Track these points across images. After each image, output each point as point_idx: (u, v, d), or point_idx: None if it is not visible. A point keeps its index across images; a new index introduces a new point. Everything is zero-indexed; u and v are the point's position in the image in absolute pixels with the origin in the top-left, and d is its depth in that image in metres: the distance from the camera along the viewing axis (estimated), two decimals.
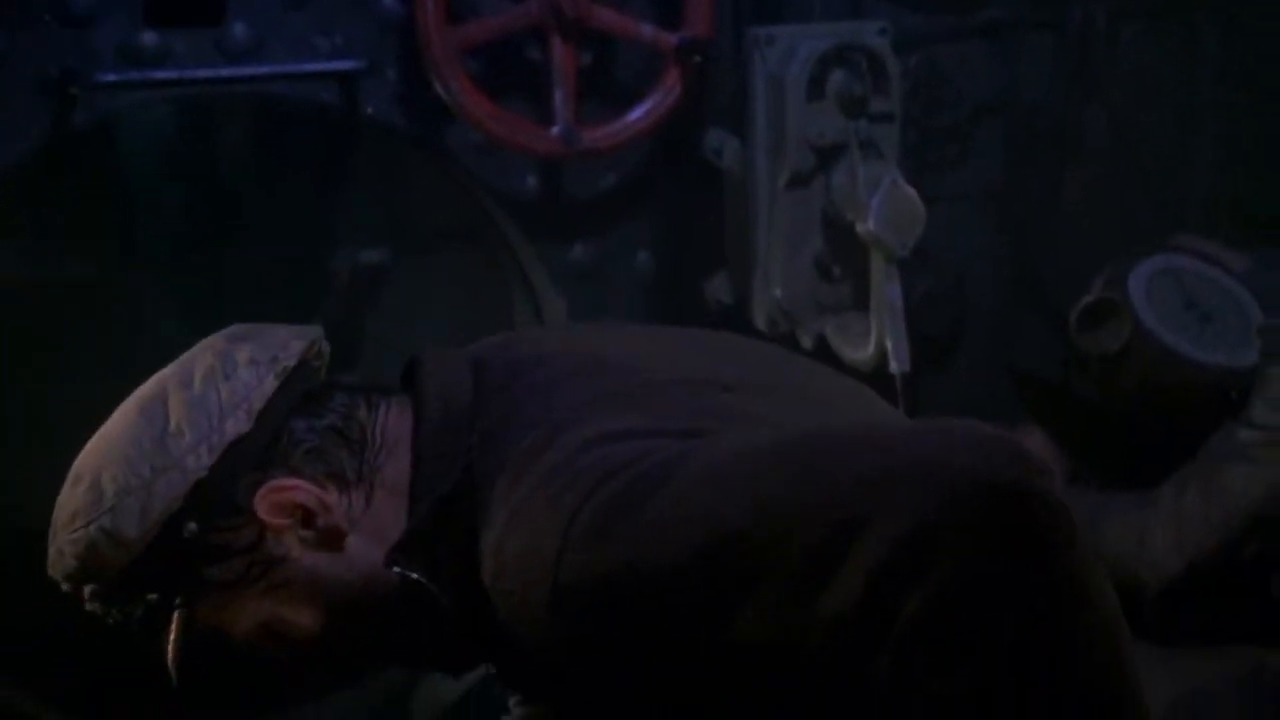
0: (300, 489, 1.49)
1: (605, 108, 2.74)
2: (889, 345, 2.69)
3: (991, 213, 3.16)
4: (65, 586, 1.55)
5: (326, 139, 3.39)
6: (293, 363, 1.51)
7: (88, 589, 1.53)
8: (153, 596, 1.52)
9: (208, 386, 1.50)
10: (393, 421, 1.52)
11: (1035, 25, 3.14)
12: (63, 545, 1.51)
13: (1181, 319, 3.00)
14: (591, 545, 1.34)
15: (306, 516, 1.49)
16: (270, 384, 1.50)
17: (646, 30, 2.67)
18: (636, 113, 2.69)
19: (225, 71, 2.63)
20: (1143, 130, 3.31)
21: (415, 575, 1.46)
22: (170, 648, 1.54)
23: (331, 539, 1.50)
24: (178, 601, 1.52)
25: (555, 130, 2.64)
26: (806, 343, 2.80)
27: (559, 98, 2.63)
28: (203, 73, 2.62)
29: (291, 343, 1.52)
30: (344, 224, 3.70)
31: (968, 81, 3.05)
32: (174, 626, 1.53)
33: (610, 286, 2.91)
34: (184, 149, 3.57)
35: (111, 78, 2.58)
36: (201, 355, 1.53)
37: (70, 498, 1.52)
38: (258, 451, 1.49)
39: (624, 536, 1.33)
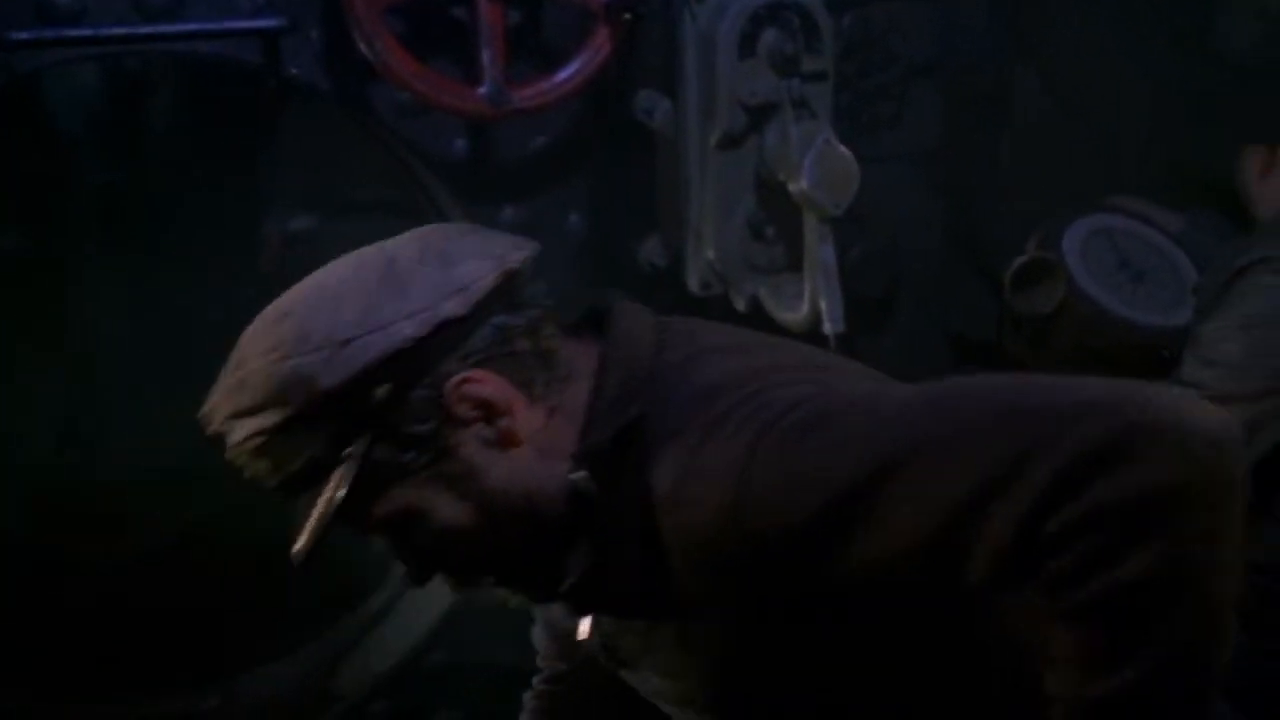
0: (493, 385, 1.52)
1: (534, 68, 2.69)
2: (823, 306, 2.66)
3: (926, 173, 3.14)
4: (223, 418, 1.53)
5: (252, 101, 3.33)
6: (515, 267, 1.54)
7: (252, 426, 1.51)
8: (315, 453, 1.51)
9: (433, 265, 1.52)
10: (579, 353, 1.57)
11: None
12: (249, 375, 1.50)
13: (1115, 279, 3.00)
14: (776, 458, 1.41)
15: (490, 414, 1.52)
16: (491, 280, 1.52)
17: None
18: (565, 72, 2.64)
19: (144, 29, 2.57)
20: (1078, 90, 3.31)
21: (590, 485, 1.50)
22: (313, 512, 1.52)
23: (506, 442, 1.53)
24: (340, 465, 1.51)
25: (482, 90, 2.59)
26: (740, 304, 2.77)
27: (486, 57, 2.58)
28: (120, 30, 2.56)
29: (514, 250, 1.56)
30: (272, 190, 3.65)
31: (902, 41, 3.02)
32: (325, 491, 1.51)
33: (541, 249, 2.86)
34: (107, 112, 3.50)
35: (25, 36, 2.51)
36: (431, 236, 1.57)
37: (272, 330, 1.52)
38: (462, 340, 1.51)
39: (807, 451, 1.41)
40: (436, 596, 3.03)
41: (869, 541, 1.40)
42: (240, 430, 1.53)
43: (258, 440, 1.52)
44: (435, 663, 2.99)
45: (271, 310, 1.56)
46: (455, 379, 1.51)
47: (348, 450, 1.51)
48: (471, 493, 1.54)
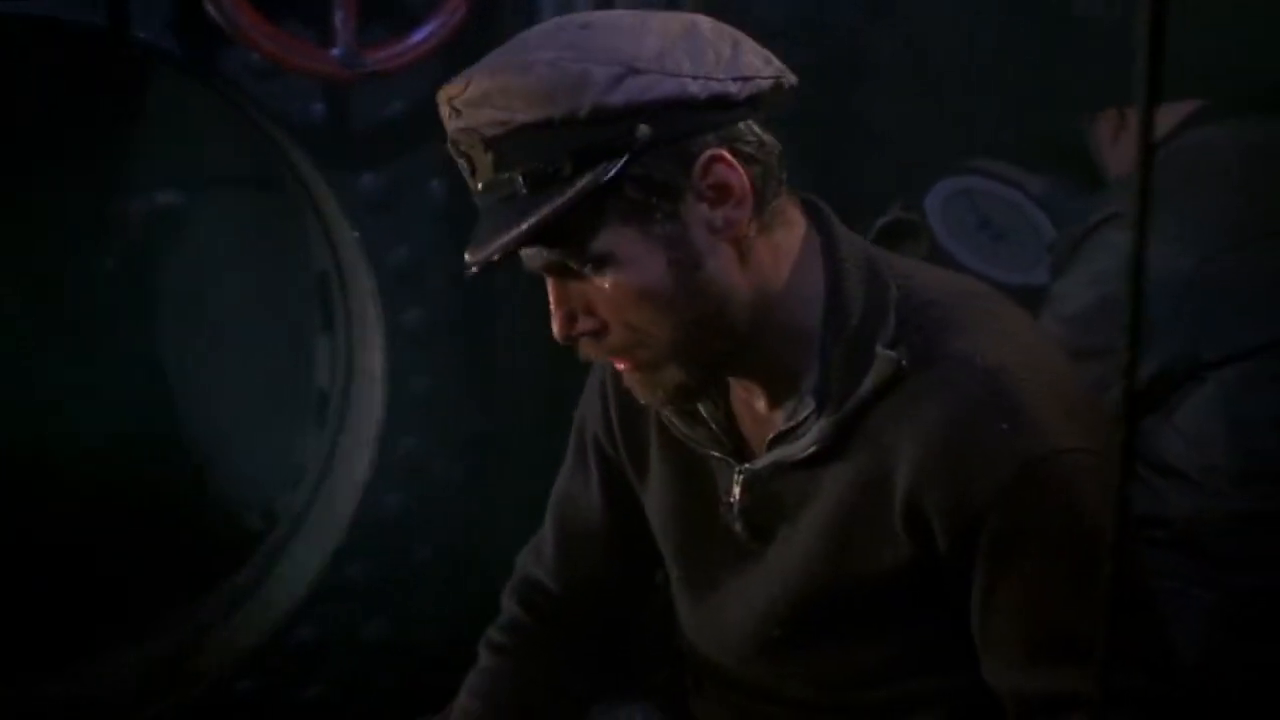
0: (739, 175, 1.60)
1: (391, 30, 2.64)
2: None
3: (789, 137, 3.14)
4: (481, 92, 1.56)
5: (104, 68, 3.25)
6: (790, 82, 1.67)
7: (510, 110, 1.53)
8: (558, 160, 1.54)
9: (727, 43, 1.62)
10: (793, 207, 1.71)
11: None
12: (534, 62, 1.54)
13: (976, 238, 3.03)
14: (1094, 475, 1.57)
15: (724, 200, 1.59)
16: (768, 83, 1.64)
17: None
18: (420, 34, 2.59)
19: None
20: (939, 55, 3.33)
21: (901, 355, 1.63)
22: (525, 220, 1.55)
23: (727, 232, 1.61)
24: (577, 179, 1.55)
25: (335, 52, 2.54)
26: None
27: (338, 18, 2.53)
28: None
29: (789, 74, 1.69)
30: (132, 163, 3.56)
31: (761, 7, 3.02)
32: (545, 207, 1.54)
33: (403, 215, 2.83)
34: None
35: None
36: (711, 21, 1.66)
37: (572, 33, 1.58)
38: (729, 123, 1.59)
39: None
40: (302, 571, 3.00)
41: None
42: (493, 109, 1.55)
43: (506, 128, 1.54)
44: (302, 639, 2.95)
45: (572, 18, 1.65)
46: (712, 151, 1.58)
47: (587, 171, 1.54)
48: (681, 263, 1.60)
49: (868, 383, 1.64)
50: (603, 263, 1.60)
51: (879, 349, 1.64)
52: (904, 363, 1.63)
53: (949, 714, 1.77)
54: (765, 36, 3.00)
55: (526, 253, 1.63)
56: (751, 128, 1.63)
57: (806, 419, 1.70)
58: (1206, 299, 2.45)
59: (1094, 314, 2.48)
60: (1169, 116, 2.68)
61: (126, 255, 3.62)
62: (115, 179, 3.54)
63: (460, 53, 2.67)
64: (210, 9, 2.47)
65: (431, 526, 2.99)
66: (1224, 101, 2.64)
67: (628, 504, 2.00)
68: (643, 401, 1.76)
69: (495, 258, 1.58)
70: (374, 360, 2.88)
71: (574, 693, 2.13)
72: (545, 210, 1.55)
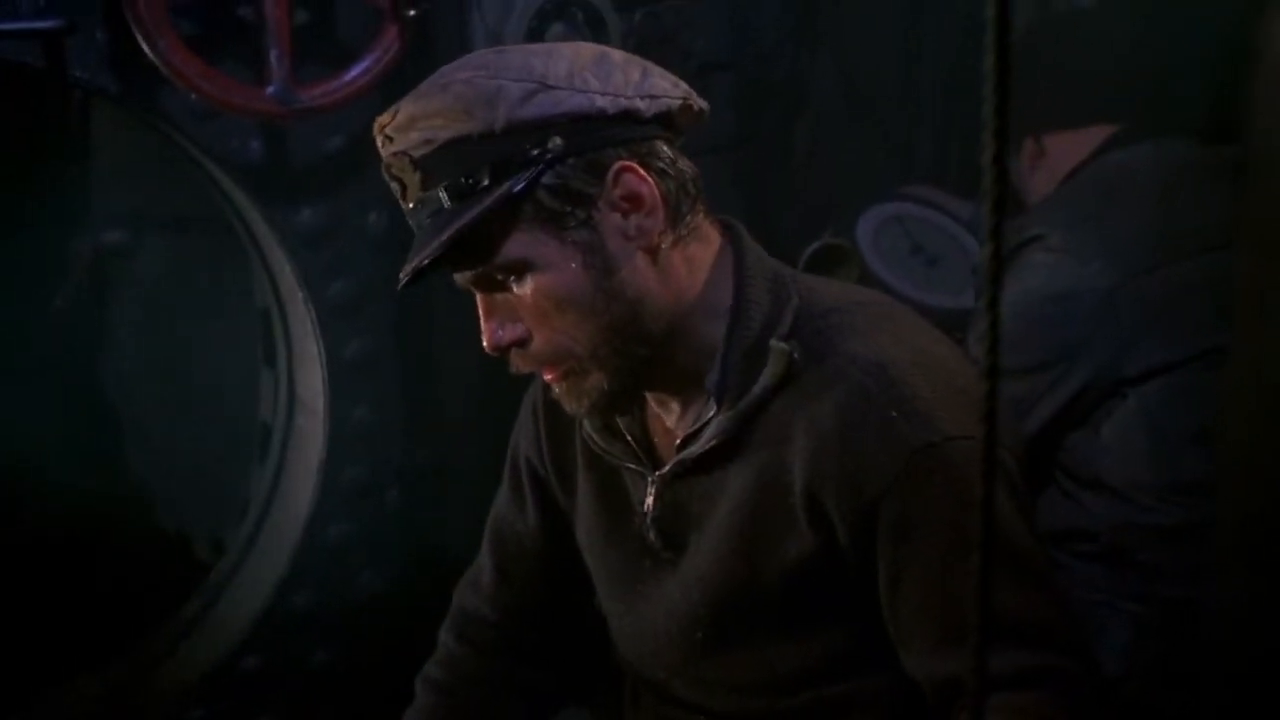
0: (649, 186, 1.68)
1: (325, 67, 2.68)
2: None
3: (724, 165, 3.20)
4: (406, 117, 1.65)
5: (38, 107, 3.28)
6: (697, 105, 1.76)
7: (432, 129, 1.63)
8: (477, 172, 1.63)
9: (635, 67, 1.71)
10: (709, 224, 1.78)
11: None
12: (451, 83, 1.64)
13: (908, 263, 3.09)
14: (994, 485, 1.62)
15: (635, 209, 1.68)
16: (677, 103, 1.72)
17: None
18: (354, 71, 2.63)
19: None
20: (871, 81, 3.40)
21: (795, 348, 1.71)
22: (446, 231, 1.63)
23: (640, 240, 1.69)
24: (494, 189, 1.63)
25: (270, 89, 2.58)
26: None
27: (273, 56, 2.56)
28: None
29: (698, 97, 1.76)
30: (81, 203, 3.59)
31: (694, 37, 3.08)
32: (465, 216, 1.63)
33: (341, 249, 2.86)
34: None
35: None
36: (623, 51, 1.75)
37: (486, 56, 1.68)
38: (638, 139, 1.68)
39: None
40: (249, 601, 3.02)
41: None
42: (417, 132, 1.65)
43: (431, 146, 1.64)
44: (249, 668, 2.97)
45: (489, 48, 1.76)
46: (621, 163, 1.66)
47: (504, 183, 1.63)
48: (594, 268, 1.68)
49: (763, 377, 1.71)
50: (522, 269, 1.68)
51: (773, 343, 1.71)
52: (796, 355, 1.70)
53: (874, 719, 1.82)
54: (703, 69, 3.11)
55: (455, 273, 1.71)
56: (664, 148, 1.72)
57: (710, 420, 1.76)
58: (1126, 316, 2.51)
59: (1016, 333, 2.53)
60: (1088, 140, 2.75)
61: (74, 294, 3.64)
62: (63, 219, 3.56)
63: (395, 87, 2.73)
64: (147, 49, 2.49)
65: (375, 555, 3.02)
66: (1141, 124, 2.71)
67: (561, 526, 2.05)
68: (570, 411, 1.81)
69: (424, 264, 1.66)
70: (315, 392, 2.91)
71: None
72: (464, 219, 1.62)
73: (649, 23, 2.98)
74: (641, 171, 1.68)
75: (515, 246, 1.66)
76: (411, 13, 2.59)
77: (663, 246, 1.71)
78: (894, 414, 1.65)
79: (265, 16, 2.57)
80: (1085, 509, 2.56)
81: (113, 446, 3.61)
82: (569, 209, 1.66)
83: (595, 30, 2.73)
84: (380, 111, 2.81)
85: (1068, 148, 2.77)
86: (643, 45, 2.97)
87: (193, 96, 2.58)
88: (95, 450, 3.58)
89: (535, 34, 2.67)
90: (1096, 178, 2.68)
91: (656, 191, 1.69)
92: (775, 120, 3.26)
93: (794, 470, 1.70)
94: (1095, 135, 2.72)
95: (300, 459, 3.00)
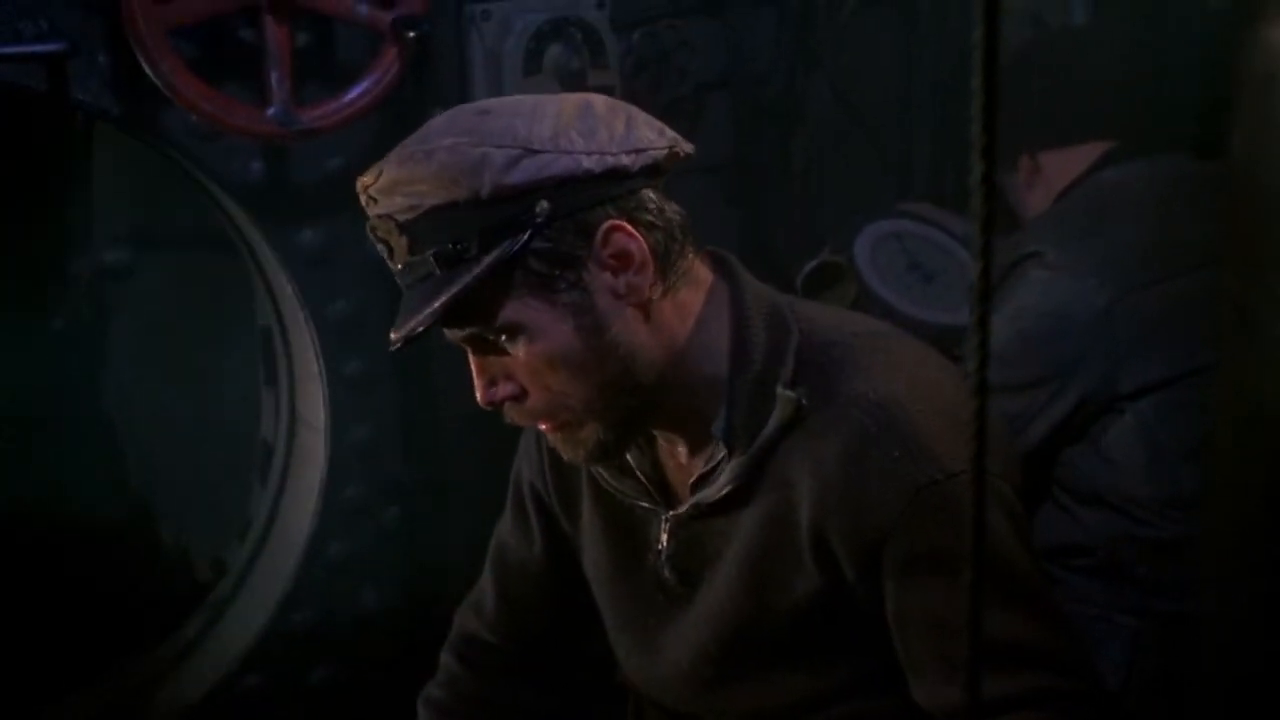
0: (638, 243, 1.68)
1: (326, 89, 2.70)
2: None
3: (721, 185, 3.22)
4: (391, 182, 1.64)
5: (51, 131, 3.30)
6: (683, 151, 1.74)
7: (417, 195, 1.62)
8: (465, 240, 1.63)
9: (620, 119, 1.68)
10: (698, 266, 1.77)
11: (756, 2, 3.21)
12: (436, 150, 1.62)
13: (905, 280, 3.10)
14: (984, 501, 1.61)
15: (625, 267, 1.68)
16: (663, 154, 1.70)
17: (361, 8, 2.64)
18: (354, 92, 2.65)
19: None
20: (867, 102, 3.42)
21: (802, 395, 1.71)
22: (438, 299, 1.64)
23: (630, 297, 1.69)
24: (483, 257, 1.63)
25: (270, 111, 2.60)
26: None
27: (274, 78, 2.58)
28: None
29: (684, 143, 1.74)
30: (83, 224, 3.61)
31: (690, 57, 3.10)
32: (456, 284, 1.63)
33: (341, 269, 2.88)
34: None
35: None
36: (605, 99, 1.73)
37: (470, 120, 1.66)
38: (625, 194, 1.67)
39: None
40: (250, 620, 3.03)
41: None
42: (403, 198, 1.64)
43: (416, 212, 1.63)
44: (250, 686, 2.98)
45: (470, 105, 1.74)
46: (610, 222, 1.66)
47: (493, 249, 1.63)
48: (586, 329, 1.68)
49: (772, 423, 1.72)
50: (514, 333, 1.68)
51: (780, 390, 1.71)
52: (804, 402, 1.70)
53: None
54: (700, 89, 3.13)
55: (446, 330, 1.72)
56: (650, 197, 1.70)
57: (721, 461, 1.77)
58: (1122, 332, 2.53)
59: (1013, 350, 2.55)
60: (1084, 157, 2.77)
61: (76, 313, 3.66)
62: (65, 240, 3.58)
63: (394, 109, 2.76)
64: (149, 71, 2.51)
65: (376, 573, 3.03)
66: (1136, 141, 2.73)
67: (565, 552, 2.06)
68: (568, 460, 1.82)
69: (418, 331, 1.66)
70: (316, 411, 2.93)
71: None
72: (456, 288, 1.63)
73: (646, 42, 3.00)
74: (630, 229, 1.67)
75: (507, 311, 1.67)
76: (411, 35, 2.61)
77: (653, 299, 1.72)
78: (896, 453, 1.66)
79: (266, 39, 2.59)
80: (1082, 524, 2.57)
81: (114, 465, 3.62)
82: (559, 273, 1.66)
83: (593, 50, 2.75)
84: (379, 134, 2.87)
85: (1063, 165, 2.79)
86: (640, 65, 3.00)
87: (194, 118, 2.60)
88: (97, 469, 3.59)
89: (533, 55, 2.69)
90: (1092, 194, 2.70)
91: (645, 246, 1.69)
92: (772, 139, 3.28)
93: (800, 510, 1.71)
94: (1090, 152, 2.74)
95: (301, 477, 3.01)
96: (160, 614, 3.22)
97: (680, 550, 1.84)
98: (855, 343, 1.77)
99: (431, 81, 2.81)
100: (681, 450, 1.84)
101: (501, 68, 2.70)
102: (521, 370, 1.70)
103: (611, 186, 1.66)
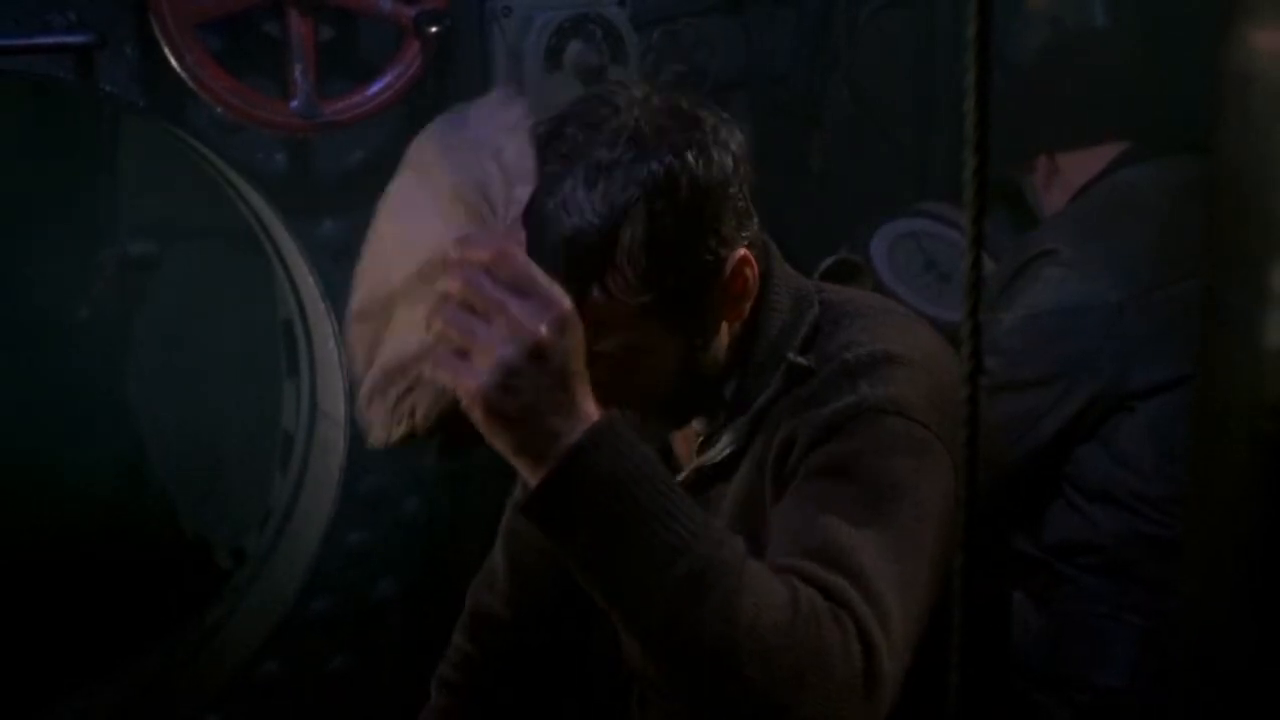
0: (755, 268, 1.74)
1: (349, 82, 2.74)
2: None
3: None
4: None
5: (79, 121, 3.34)
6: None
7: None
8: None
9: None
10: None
11: (775, 2, 3.23)
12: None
13: (921, 279, 3.13)
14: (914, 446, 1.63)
15: (743, 295, 1.73)
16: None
17: (384, 4, 2.67)
18: (376, 86, 2.69)
19: None
20: (885, 103, 3.43)
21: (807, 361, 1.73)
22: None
23: (735, 317, 1.76)
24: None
25: (294, 104, 2.63)
26: None
27: (297, 71, 2.62)
28: None
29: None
30: (109, 214, 3.65)
31: (710, 56, 3.13)
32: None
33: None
34: None
35: None
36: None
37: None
38: (735, 207, 1.70)
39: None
40: (270, 607, 3.07)
41: None
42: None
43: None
44: (269, 673, 3.02)
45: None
46: (739, 254, 1.70)
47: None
48: (694, 347, 1.73)
49: (775, 383, 1.76)
50: (629, 349, 1.68)
51: (790, 356, 1.75)
52: (809, 365, 1.75)
53: None
54: (719, 87, 3.15)
55: None
56: (752, 212, 1.75)
57: (723, 424, 1.80)
58: (1134, 331, 2.55)
59: (1027, 347, 2.57)
60: (1100, 158, 2.79)
61: (100, 303, 3.70)
62: (91, 229, 3.62)
63: (415, 104, 2.79)
64: (175, 64, 2.55)
65: (394, 562, 3.07)
66: (1152, 142, 2.75)
67: None
68: None
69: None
70: (336, 402, 2.96)
71: None
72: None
73: (666, 41, 3.03)
74: (752, 259, 1.72)
75: (627, 335, 1.67)
76: (433, 30, 2.64)
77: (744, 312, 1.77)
78: (857, 379, 1.68)
79: (290, 33, 2.63)
80: (1092, 522, 2.59)
81: (136, 454, 3.66)
82: (692, 309, 1.70)
83: (613, 47, 2.77)
84: (401, 127, 2.90)
85: (1080, 165, 2.81)
86: (660, 63, 3.03)
87: (219, 110, 2.64)
88: (119, 458, 3.64)
89: (554, 51, 2.72)
90: (1107, 194, 2.72)
91: (757, 271, 1.74)
92: (790, 138, 3.30)
93: (771, 447, 1.74)
94: (1107, 153, 2.76)
95: (321, 467, 3.05)
96: (180, 602, 3.25)
97: None
98: (868, 311, 1.82)
99: (453, 77, 2.84)
100: (696, 421, 1.87)
101: (522, 64, 2.73)
102: (610, 370, 1.64)
103: (727, 198, 1.69)
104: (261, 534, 3.20)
